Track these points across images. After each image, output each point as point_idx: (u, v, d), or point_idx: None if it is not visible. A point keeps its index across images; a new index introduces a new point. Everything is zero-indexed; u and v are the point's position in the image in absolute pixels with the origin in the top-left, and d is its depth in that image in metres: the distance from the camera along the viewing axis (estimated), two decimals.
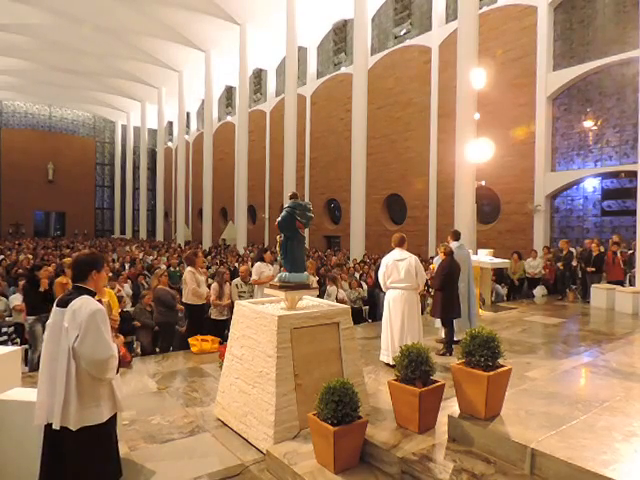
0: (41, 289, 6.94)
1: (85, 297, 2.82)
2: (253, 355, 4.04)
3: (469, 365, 3.43)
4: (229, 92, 34.32)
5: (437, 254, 6.77)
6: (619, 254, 10.30)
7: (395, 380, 3.63)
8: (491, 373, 3.30)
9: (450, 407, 3.64)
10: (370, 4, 18.95)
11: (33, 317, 6.82)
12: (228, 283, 7.81)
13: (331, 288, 8.89)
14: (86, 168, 43.27)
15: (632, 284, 10.18)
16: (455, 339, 6.27)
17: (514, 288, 12.05)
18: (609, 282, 10.15)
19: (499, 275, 11.92)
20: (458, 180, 12.09)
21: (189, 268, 7.25)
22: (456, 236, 7.17)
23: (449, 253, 6.30)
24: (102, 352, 2.73)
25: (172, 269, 11.10)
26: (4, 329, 7.14)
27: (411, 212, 20.02)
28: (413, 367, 3.48)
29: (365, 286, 10.68)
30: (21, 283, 7.84)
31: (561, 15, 15.22)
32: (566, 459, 2.75)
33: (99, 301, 2.93)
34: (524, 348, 6.48)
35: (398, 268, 5.74)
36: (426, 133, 19.09)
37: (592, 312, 9.57)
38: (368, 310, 10.23)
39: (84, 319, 2.70)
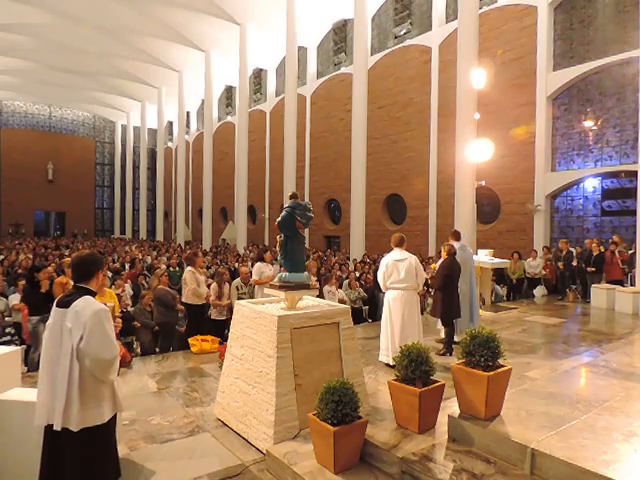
0: (42, 290, 6.93)
1: (87, 297, 2.82)
2: (253, 355, 4.04)
3: (469, 365, 3.43)
4: (229, 92, 34.32)
5: (439, 255, 6.76)
6: (617, 254, 10.31)
7: (395, 380, 3.62)
8: (491, 373, 3.30)
9: (450, 407, 3.63)
10: (370, 4, 18.96)
11: (36, 317, 6.81)
12: (227, 283, 7.80)
13: (328, 287, 8.89)
14: (86, 168, 43.28)
15: (632, 284, 10.18)
16: (456, 340, 6.27)
17: (514, 288, 12.04)
18: (608, 282, 10.16)
19: (499, 275, 11.92)
20: (458, 180, 12.08)
21: (189, 268, 7.25)
22: (457, 236, 7.14)
23: (452, 254, 6.29)
24: (107, 351, 2.74)
25: (172, 269, 11.09)
26: (7, 329, 7.14)
27: (411, 212, 20.01)
28: (413, 367, 3.48)
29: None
30: (20, 283, 7.83)
31: (561, 15, 15.22)
32: (566, 459, 2.75)
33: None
34: (524, 348, 6.48)
35: (398, 268, 5.73)
36: (426, 133, 19.10)
37: (592, 312, 9.57)
38: (368, 310, 10.22)
39: (88, 319, 2.70)
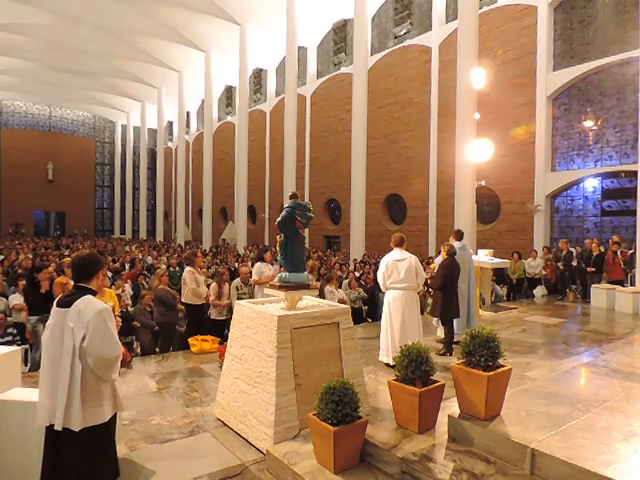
0: (42, 290, 6.92)
1: (88, 297, 2.83)
2: (253, 355, 4.04)
3: (469, 365, 3.43)
4: (229, 92, 34.32)
5: (438, 254, 6.76)
6: (619, 254, 10.30)
7: (395, 380, 3.62)
8: (491, 373, 3.30)
9: (450, 407, 3.63)
10: (370, 4, 18.96)
11: (36, 317, 6.81)
12: (227, 283, 7.80)
13: (329, 288, 8.88)
14: (86, 168, 43.29)
15: (632, 284, 10.18)
16: (455, 340, 6.27)
17: (514, 288, 12.04)
18: (609, 282, 10.15)
19: (499, 275, 11.91)
20: (458, 180, 12.08)
21: (188, 268, 7.25)
22: (459, 236, 7.11)
23: (452, 254, 6.28)
24: (110, 350, 2.74)
25: (172, 269, 11.09)
26: (9, 329, 7.13)
27: (411, 212, 20.01)
28: (413, 367, 3.47)
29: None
30: (21, 283, 7.82)
31: (561, 15, 15.22)
32: (566, 459, 2.75)
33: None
34: (524, 348, 6.48)
35: (398, 268, 5.73)
36: (426, 133, 19.10)
37: (592, 312, 9.56)
38: (368, 310, 10.22)
39: (91, 318, 2.71)
